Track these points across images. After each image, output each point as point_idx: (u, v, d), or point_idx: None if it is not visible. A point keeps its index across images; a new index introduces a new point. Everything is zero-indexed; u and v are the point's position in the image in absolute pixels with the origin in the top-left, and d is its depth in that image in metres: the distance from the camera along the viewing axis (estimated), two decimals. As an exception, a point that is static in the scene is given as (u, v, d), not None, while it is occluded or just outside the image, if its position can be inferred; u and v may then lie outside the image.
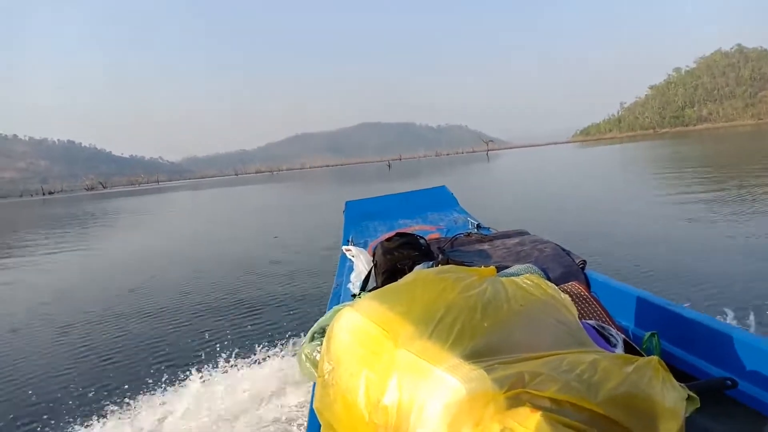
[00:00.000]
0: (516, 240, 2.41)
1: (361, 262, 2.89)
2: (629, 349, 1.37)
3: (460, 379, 0.93)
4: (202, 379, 3.45)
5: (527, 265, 1.72)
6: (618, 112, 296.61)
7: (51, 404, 3.55)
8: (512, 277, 1.31)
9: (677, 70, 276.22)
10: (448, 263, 2.13)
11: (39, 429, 3.23)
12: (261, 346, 3.94)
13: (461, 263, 2.08)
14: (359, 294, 2.28)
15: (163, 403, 3.22)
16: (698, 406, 1.07)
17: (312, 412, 1.37)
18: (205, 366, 3.69)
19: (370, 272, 2.50)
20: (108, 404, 3.33)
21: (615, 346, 1.33)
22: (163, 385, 3.53)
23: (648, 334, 1.69)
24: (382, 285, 2.20)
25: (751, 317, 3.45)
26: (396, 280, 1.33)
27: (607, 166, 26.55)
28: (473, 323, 1.07)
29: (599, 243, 6.90)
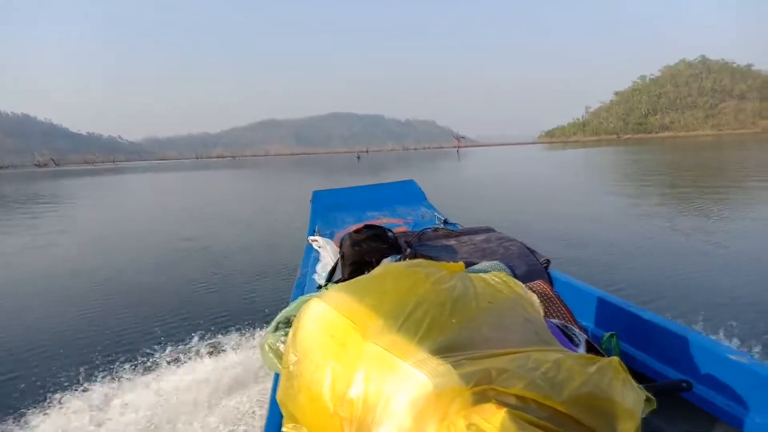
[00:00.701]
0: (482, 237, 2.44)
1: (327, 252, 2.86)
2: (591, 349, 1.39)
3: (427, 373, 0.93)
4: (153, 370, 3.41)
5: (495, 262, 1.74)
6: (583, 116, 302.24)
7: None
8: (481, 274, 1.32)
9: (642, 77, 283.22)
10: (415, 257, 2.14)
11: None
12: (217, 335, 3.90)
13: (429, 258, 2.08)
14: (325, 285, 2.27)
15: (114, 397, 3.14)
16: (655, 407, 1.10)
17: (273, 402, 1.36)
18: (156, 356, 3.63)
19: (336, 263, 2.49)
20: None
21: (578, 345, 1.35)
22: (114, 379, 3.43)
23: (607, 334, 1.72)
24: (349, 277, 2.18)
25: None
26: (363, 273, 1.32)
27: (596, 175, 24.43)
28: (442, 319, 1.07)
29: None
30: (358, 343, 1.05)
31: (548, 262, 2.16)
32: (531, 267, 2.04)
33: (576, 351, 1.29)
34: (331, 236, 3.47)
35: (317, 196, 4.80)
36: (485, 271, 1.47)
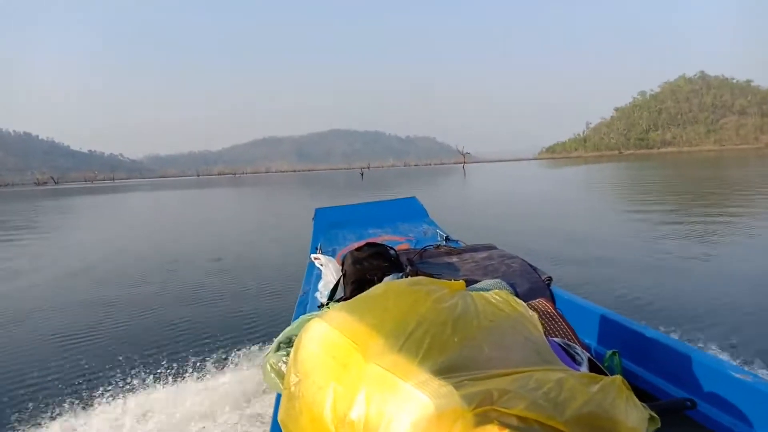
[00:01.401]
0: (484, 254, 2.43)
1: (329, 271, 2.86)
2: (593, 367, 1.39)
3: (429, 394, 0.93)
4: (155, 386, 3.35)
5: (496, 280, 1.74)
6: (583, 132, 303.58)
7: None
8: (482, 292, 1.32)
9: (642, 93, 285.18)
10: (417, 275, 2.13)
11: None
12: (219, 355, 3.85)
13: (430, 275, 2.08)
14: (327, 304, 2.26)
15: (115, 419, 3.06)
16: (658, 426, 1.09)
17: (275, 423, 1.35)
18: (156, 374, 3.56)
19: (338, 282, 2.49)
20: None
21: (580, 364, 1.35)
22: (109, 398, 3.30)
23: (610, 352, 1.72)
24: (351, 295, 2.18)
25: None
26: (364, 291, 1.32)
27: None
28: (443, 338, 1.07)
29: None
30: (359, 364, 1.04)
31: (550, 279, 2.15)
32: (533, 284, 2.04)
33: (578, 369, 1.28)
34: (333, 254, 3.47)
35: (319, 213, 4.81)
36: (487, 289, 1.46)
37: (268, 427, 2.16)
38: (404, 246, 3.21)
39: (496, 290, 1.36)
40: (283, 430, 1.19)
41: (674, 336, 3.57)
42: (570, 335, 1.58)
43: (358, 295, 1.29)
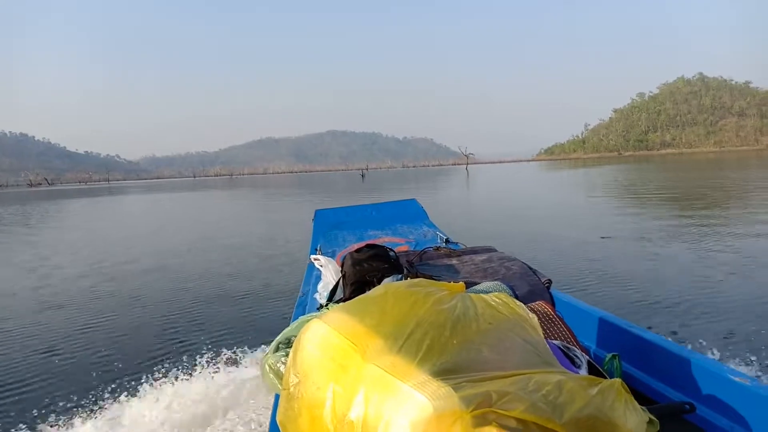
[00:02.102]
0: (484, 256, 2.43)
1: (329, 272, 2.86)
2: (593, 370, 1.39)
3: (427, 396, 0.93)
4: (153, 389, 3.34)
5: (496, 282, 1.74)
6: (582, 133, 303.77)
7: None
8: (481, 294, 1.32)
9: (641, 95, 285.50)
10: (416, 277, 2.13)
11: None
12: (218, 356, 3.85)
13: (430, 277, 2.08)
14: (327, 305, 2.26)
15: (112, 418, 3.05)
16: (657, 429, 1.09)
17: (274, 424, 1.35)
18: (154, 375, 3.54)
19: (338, 283, 2.49)
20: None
21: (579, 367, 1.35)
22: (109, 399, 3.31)
23: (609, 355, 1.72)
24: (350, 296, 2.18)
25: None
26: (364, 292, 1.32)
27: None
28: (442, 340, 1.07)
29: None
30: (358, 365, 1.04)
31: (550, 282, 2.15)
32: (532, 287, 2.04)
33: (578, 372, 1.28)
34: (332, 255, 3.47)
35: (319, 214, 4.81)
36: (486, 292, 1.47)
37: (266, 428, 2.15)
38: (404, 248, 3.21)
39: (496, 292, 1.36)
40: (281, 430, 1.19)
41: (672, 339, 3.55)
42: (569, 338, 1.58)
43: (358, 297, 1.29)
